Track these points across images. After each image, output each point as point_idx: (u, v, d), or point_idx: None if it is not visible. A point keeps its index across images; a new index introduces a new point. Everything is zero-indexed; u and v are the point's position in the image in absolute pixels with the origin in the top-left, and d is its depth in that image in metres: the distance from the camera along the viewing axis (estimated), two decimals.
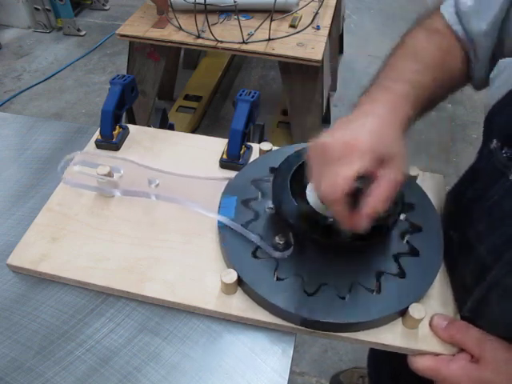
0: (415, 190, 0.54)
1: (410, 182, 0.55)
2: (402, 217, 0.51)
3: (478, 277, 0.44)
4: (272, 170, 0.55)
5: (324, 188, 0.38)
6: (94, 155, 0.61)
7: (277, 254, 0.47)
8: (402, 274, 0.46)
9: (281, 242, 0.47)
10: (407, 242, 0.49)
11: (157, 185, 0.54)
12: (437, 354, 0.43)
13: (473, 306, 0.45)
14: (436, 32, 0.50)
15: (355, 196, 0.39)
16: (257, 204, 0.52)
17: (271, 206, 0.51)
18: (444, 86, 0.50)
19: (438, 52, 0.49)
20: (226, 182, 0.55)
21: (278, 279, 0.46)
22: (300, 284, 0.45)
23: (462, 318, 0.46)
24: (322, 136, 0.40)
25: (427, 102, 0.48)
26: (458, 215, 0.51)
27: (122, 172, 0.56)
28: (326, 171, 0.39)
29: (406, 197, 0.48)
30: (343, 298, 0.45)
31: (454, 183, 0.57)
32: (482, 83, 0.52)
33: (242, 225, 0.49)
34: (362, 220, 0.38)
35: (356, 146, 0.38)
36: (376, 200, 0.38)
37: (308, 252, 0.47)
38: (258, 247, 0.48)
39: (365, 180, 0.39)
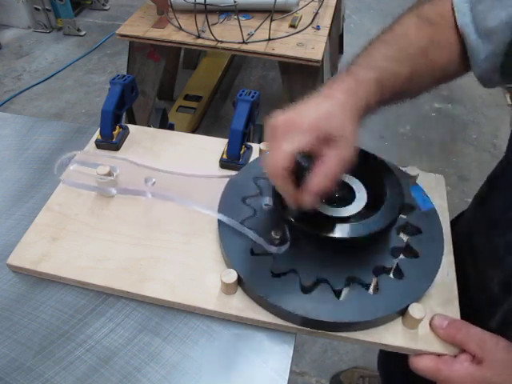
0: (414, 190, 0.54)
1: (411, 183, 0.55)
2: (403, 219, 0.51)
3: (508, 288, 0.44)
4: None
5: (267, 163, 0.40)
6: (90, 155, 0.61)
7: (273, 249, 0.47)
8: (400, 274, 0.46)
9: (277, 237, 0.47)
10: (407, 244, 0.49)
11: (153, 183, 0.53)
12: (438, 354, 0.43)
13: (503, 318, 0.45)
14: (429, 22, 0.47)
15: (302, 174, 0.40)
16: (254, 201, 0.52)
17: (268, 202, 0.51)
18: (425, 78, 0.48)
19: (424, 42, 0.46)
20: (225, 181, 0.55)
21: (273, 274, 0.46)
22: (299, 283, 0.45)
23: (489, 331, 0.44)
24: (274, 115, 0.41)
25: (399, 91, 0.46)
26: (484, 222, 0.50)
27: (118, 171, 0.56)
28: (271, 148, 0.40)
29: (407, 198, 0.48)
30: (339, 293, 0.45)
31: (454, 183, 0.57)
32: (491, 81, 0.48)
33: (240, 222, 0.49)
34: (306, 197, 0.39)
35: (298, 123, 0.39)
36: (318, 177, 0.39)
37: (304, 247, 0.47)
38: (255, 245, 0.48)
39: (309, 158, 0.40)
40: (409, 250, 0.49)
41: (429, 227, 0.50)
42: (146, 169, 0.55)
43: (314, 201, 0.40)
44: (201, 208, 0.51)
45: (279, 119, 0.40)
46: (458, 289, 0.48)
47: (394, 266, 0.47)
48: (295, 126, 0.39)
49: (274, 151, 0.39)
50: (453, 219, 0.65)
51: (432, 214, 0.52)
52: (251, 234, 0.48)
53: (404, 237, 0.51)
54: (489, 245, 0.48)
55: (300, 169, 0.40)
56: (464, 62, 0.48)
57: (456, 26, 0.46)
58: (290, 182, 0.40)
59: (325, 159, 0.39)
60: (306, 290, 0.45)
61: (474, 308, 0.49)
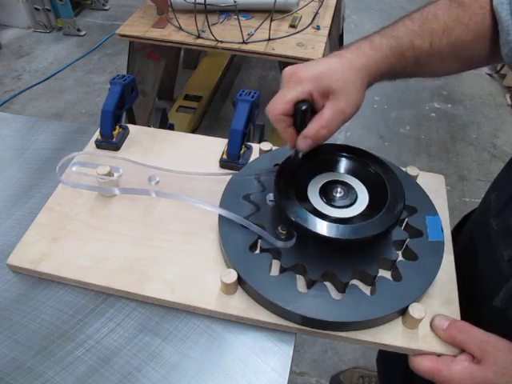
0: (417, 191, 0.54)
1: (412, 184, 0.55)
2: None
3: None
4: (276, 165, 0.55)
5: (267, 107, 0.45)
6: (92, 155, 0.61)
7: (279, 244, 0.47)
8: (398, 277, 0.46)
9: (283, 232, 0.47)
10: (407, 245, 0.49)
11: (157, 182, 0.53)
12: (438, 355, 0.43)
13: (506, 295, 0.45)
14: (460, 3, 0.47)
15: (305, 122, 0.44)
16: (257, 197, 0.52)
17: (272, 198, 0.51)
18: (448, 57, 0.48)
19: (451, 21, 0.46)
20: (226, 180, 0.55)
21: (281, 269, 0.46)
22: (299, 283, 0.45)
23: (491, 309, 0.45)
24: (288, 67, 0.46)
25: (418, 64, 0.47)
26: (498, 204, 0.50)
27: (121, 171, 0.56)
28: (276, 95, 0.45)
29: (408, 200, 0.48)
30: (345, 286, 0.45)
31: (454, 183, 0.58)
32: None
33: (244, 218, 0.49)
34: (300, 141, 0.44)
35: (299, 75, 0.44)
36: (314, 125, 0.43)
37: (310, 242, 0.47)
38: (256, 242, 0.48)
39: (309, 105, 0.43)
40: (407, 252, 0.49)
41: (426, 257, 0.48)
42: (147, 168, 0.55)
43: (307, 146, 0.44)
44: (205, 205, 0.51)
45: (287, 70, 0.45)
46: (467, 274, 0.48)
47: (399, 258, 0.48)
48: (297, 76, 0.44)
49: (275, 97, 0.44)
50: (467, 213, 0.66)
51: (436, 245, 0.49)
52: (257, 229, 0.48)
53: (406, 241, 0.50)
54: (502, 225, 0.49)
55: (303, 116, 0.44)
56: (491, 46, 0.48)
57: (490, 7, 0.46)
58: (288, 126, 0.45)
59: (323, 109, 0.43)
60: (312, 284, 0.45)
61: (479, 288, 0.49)
